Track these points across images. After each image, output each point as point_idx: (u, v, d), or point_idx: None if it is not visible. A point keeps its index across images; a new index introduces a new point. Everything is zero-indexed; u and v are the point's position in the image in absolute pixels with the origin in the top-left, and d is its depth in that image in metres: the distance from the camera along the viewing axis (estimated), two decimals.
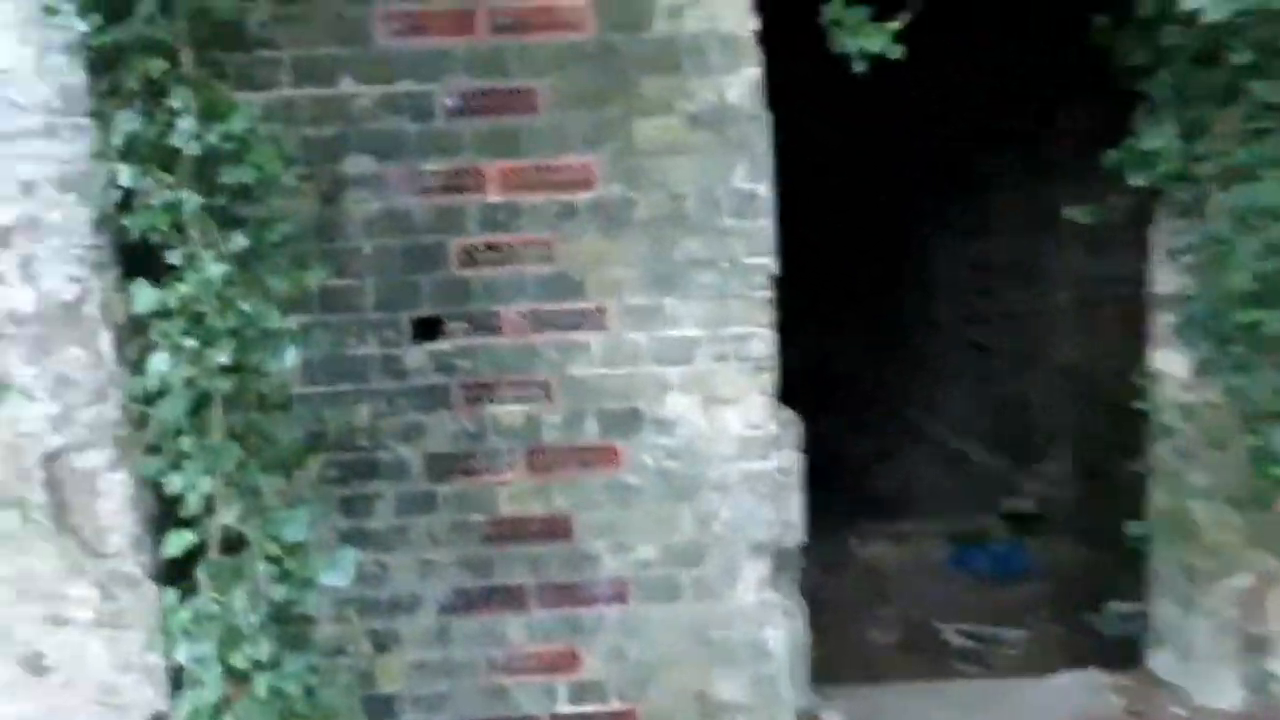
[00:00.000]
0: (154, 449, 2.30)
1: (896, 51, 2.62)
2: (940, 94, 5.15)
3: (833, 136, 5.69)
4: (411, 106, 2.67)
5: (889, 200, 6.24)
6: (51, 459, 2.52)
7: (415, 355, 2.72)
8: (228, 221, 2.29)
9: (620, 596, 2.76)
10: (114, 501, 2.53)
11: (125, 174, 2.24)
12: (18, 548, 2.53)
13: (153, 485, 2.45)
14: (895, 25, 2.61)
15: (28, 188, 2.46)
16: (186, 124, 2.19)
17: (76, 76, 2.41)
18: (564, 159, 2.69)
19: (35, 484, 2.52)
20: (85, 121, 2.42)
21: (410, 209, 2.70)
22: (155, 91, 2.31)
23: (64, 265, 2.47)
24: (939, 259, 6.09)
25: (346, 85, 2.67)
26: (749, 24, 2.67)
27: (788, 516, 2.79)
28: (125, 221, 2.28)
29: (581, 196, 2.70)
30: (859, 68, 2.64)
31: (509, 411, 2.74)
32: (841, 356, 6.73)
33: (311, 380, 2.67)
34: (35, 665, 2.56)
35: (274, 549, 2.21)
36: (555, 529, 2.76)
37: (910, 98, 4.91)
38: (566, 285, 2.72)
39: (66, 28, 2.29)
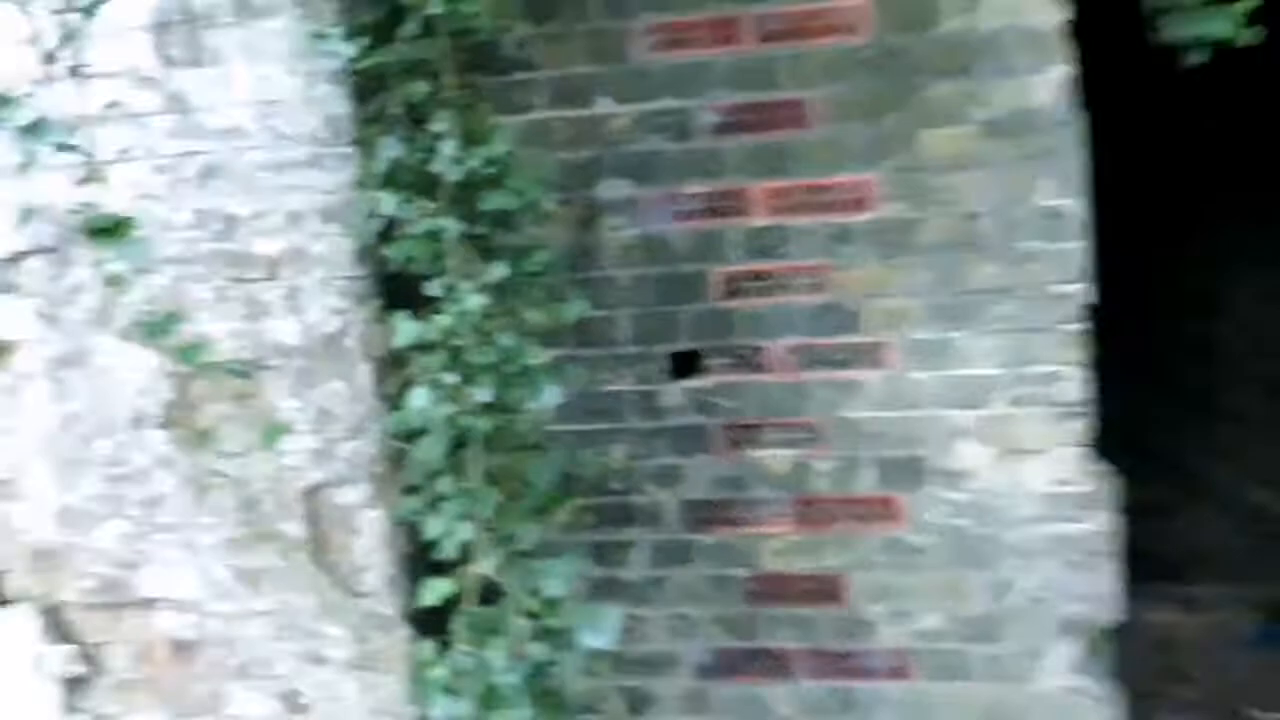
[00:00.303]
0: (411, 489, 2.20)
1: (1248, 36, 2.19)
2: (1247, 86, 4.49)
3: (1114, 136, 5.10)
4: (670, 125, 2.49)
5: (1172, 211, 5.56)
6: (311, 493, 2.49)
7: (673, 393, 2.52)
8: (486, 251, 2.17)
9: (900, 671, 2.43)
10: (370, 539, 2.46)
11: (387, 202, 2.16)
12: (279, 582, 2.51)
13: (407, 525, 2.37)
14: (1248, 4, 2.18)
15: (294, 219, 2.45)
16: (448, 148, 2.08)
17: (341, 106, 2.38)
18: (838, 177, 2.42)
19: (296, 519, 2.49)
20: (349, 151, 2.39)
21: (668, 235, 2.50)
22: (416, 118, 2.24)
23: (327, 297, 2.44)
24: (1230, 281, 5.36)
25: (603, 105, 2.52)
26: (1056, 15, 2.32)
27: (1100, 588, 2.38)
28: (386, 251, 2.21)
29: (858, 218, 2.42)
30: (1197, 58, 2.22)
31: (775, 457, 2.48)
32: (1104, 390, 6.05)
33: (563, 418, 2.51)
34: (293, 703, 2.53)
35: (532, 603, 2.05)
36: (826, 590, 2.47)
37: (1207, 90, 4.30)
38: (840, 317, 2.44)
39: (332, 55, 2.25)
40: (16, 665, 2.67)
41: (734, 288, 2.48)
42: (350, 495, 2.46)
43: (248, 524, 2.50)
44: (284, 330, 2.46)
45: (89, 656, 2.66)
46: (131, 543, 2.60)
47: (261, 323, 2.48)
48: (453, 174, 2.07)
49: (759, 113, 2.44)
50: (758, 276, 2.47)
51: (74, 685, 2.67)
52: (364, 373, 2.43)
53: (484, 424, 2.03)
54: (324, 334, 2.44)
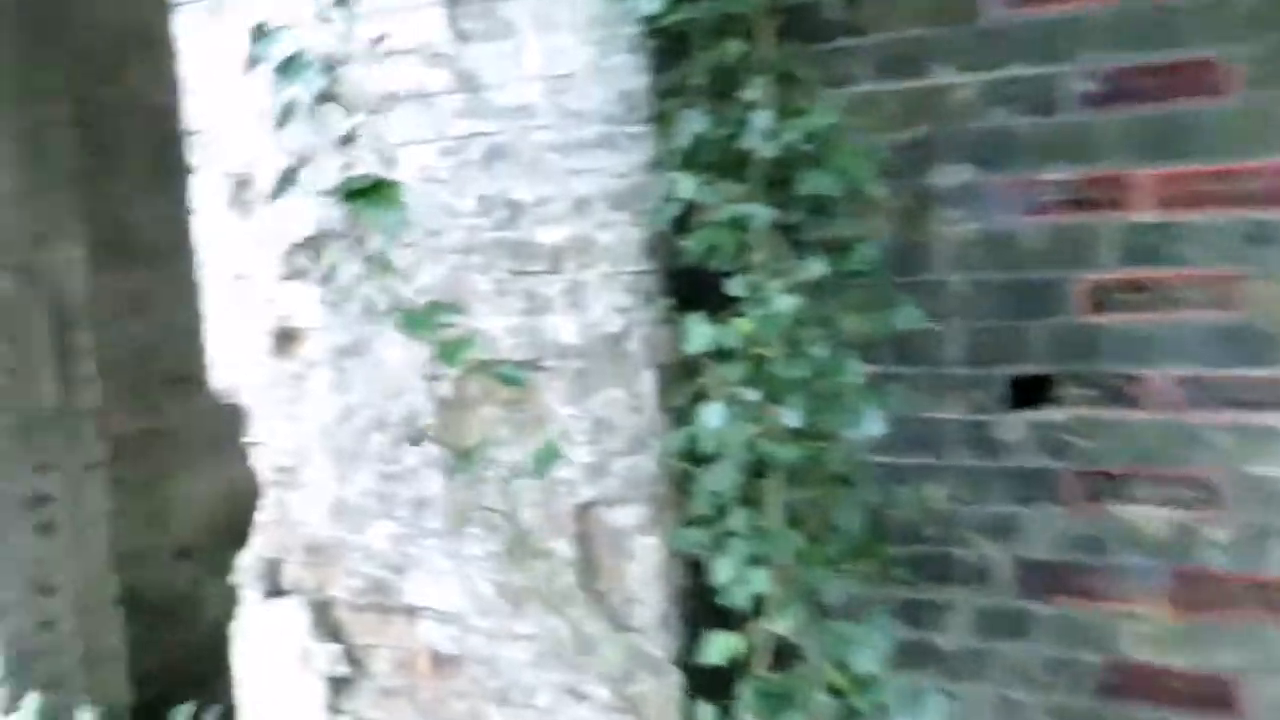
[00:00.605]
0: (696, 519, 1.89)
1: None
2: None
3: None
4: (1027, 96, 2.02)
5: None
6: (583, 511, 2.24)
7: (1013, 426, 2.05)
8: (799, 244, 1.82)
9: None
10: (644, 569, 2.18)
11: (686, 185, 1.86)
12: (544, 605, 2.29)
13: (686, 557, 2.07)
14: None
15: (581, 205, 2.21)
16: (762, 119, 1.74)
17: (637, 78, 2.11)
18: (1260, 160, 1.85)
19: (565, 537, 2.26)
20: (642, 129, 2.11)
21: (1018, 232, 2.04)
22: (722, 88, 1.92)
23: (611, 293, 2.18)
24: None
25: (941, 74, 2.08)
26: None
27: None
28: (682, 242, 1.91)
29: None
30: None
31: (1147, 516, 1.95)
32: None
33: (871, 448, 2.10)
34: None
35: (838, 677, 1.67)
36: (1212, 695, 1.91)
37: None
38: (1254, 343, 1.87)
39: (632, 14, 1.98)
40: (286, 657, 2.63)
41: (1103, 299, 1.98)
42: (625, 517, 2.19)
43: (514, 537, 2.30)
44: (563, 328, 2.23)
45: (354, 658, 2.57)
46: (400, 545, 2.47)
47: (540, 319, 2.26)
48: (766, 150, 1.73)
49: (1151, 78, 1.92)
50: (1137, 287, 1.95)
51: (339, 685, 2.59)
52: (647, 380, 2.14)
53: (789, 452, 1.67)
54: (605, 334, 2.18)
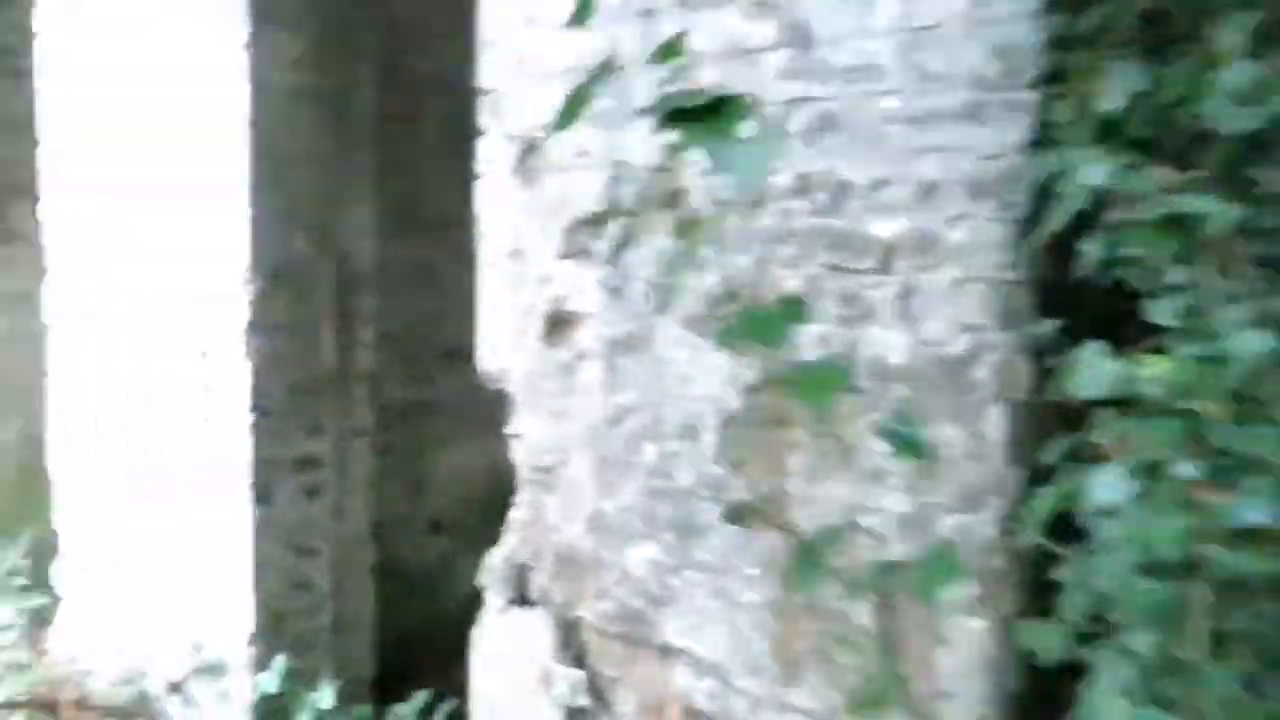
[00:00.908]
0: (1062, 619, 1.40)
1: None
2: None
3: None
4: None
5: None
6: (892, 573, 1.80)
7: None
8: (1266, 259, 1.28)
9: None
10: (963, 659, 1.71)
11: (1097, 168, 1.36)
12: (827, 678, 1.87)
13: (1027, 655, 1.58)
14: None
15: (927, 192, 1.76)
16: (1235, 77, 1.22)
17: (1027, 27, 1.63)
18: None
19: (864, 601, 1.83)
20: (1027, 96, 1.63)
21: None
22: (1156, 40, 1.41)
23: (957, 305, 1.72)
24: None
25: None
26: None
27: None
28: (1082, 247, 1.41)
29: None
30: None
31: None
32: None
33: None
34: None
35: None
36: None
37: None
38: None
39: None
40: (524, 673, 2.37)
41: None
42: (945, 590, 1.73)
43: (800, 589, 1.89)
44: (888, 344, 1.80)
45: (598, 690, 2.26)
46: (661, 574, 2.13)
47: (859, 330, 1.83)
48: (1236, 123, 1.21)
49: None
50: None
51: (577, 717, 2.30)
52: (996, 420, 1.67)
53: (1240, 561, 1.15)
54: (944, 356, 1.73)
